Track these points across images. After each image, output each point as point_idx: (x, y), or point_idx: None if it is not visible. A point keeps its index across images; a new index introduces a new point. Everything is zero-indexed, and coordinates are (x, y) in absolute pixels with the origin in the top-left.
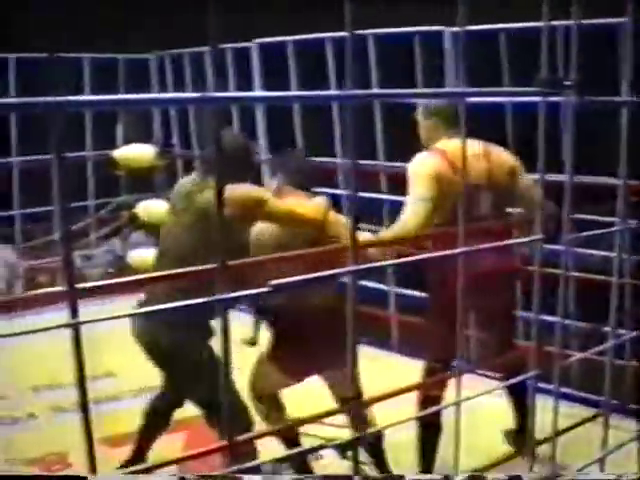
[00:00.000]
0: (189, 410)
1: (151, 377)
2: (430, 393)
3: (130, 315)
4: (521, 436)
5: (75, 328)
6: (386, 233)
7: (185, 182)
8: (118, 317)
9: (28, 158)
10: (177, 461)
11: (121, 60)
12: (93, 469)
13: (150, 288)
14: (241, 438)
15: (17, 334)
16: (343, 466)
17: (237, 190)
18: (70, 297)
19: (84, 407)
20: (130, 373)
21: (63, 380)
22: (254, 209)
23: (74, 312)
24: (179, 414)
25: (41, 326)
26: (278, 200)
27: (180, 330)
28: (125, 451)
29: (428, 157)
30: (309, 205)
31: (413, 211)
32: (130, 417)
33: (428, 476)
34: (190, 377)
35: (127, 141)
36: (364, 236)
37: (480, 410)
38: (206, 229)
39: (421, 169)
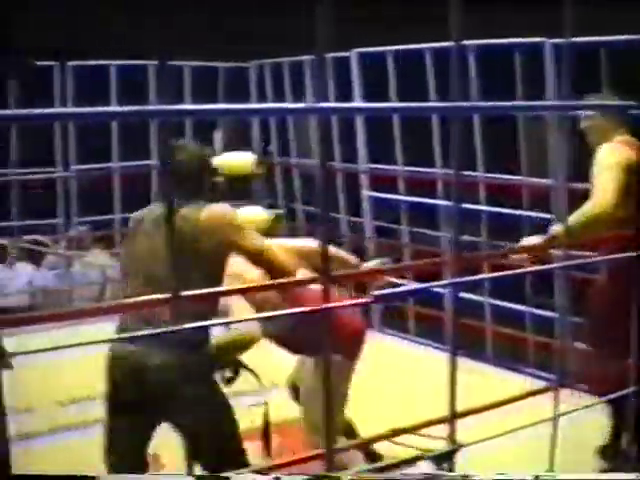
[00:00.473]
0: (280, 415)
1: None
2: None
3: (241, 321)
4: (616, 452)
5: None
6: (574, 215)
7: (156, 207)
8: (218, 324)
9: (129, 163)
10: (269, 469)
11: (221, 68)
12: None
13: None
14: (340, 447)
15: (124, 338)
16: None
17: (215, 210)
18: (173, 303)
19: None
20: None
21: None
22: (232, 234)
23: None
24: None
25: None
26: (256, 233)
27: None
28: None
29: (617, 147)
30: (288, 253)
31: (603, 193)
32: None
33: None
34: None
35: (226, 148)
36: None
37: (575, 424)
38: (188, 251)
39: (611, 156)
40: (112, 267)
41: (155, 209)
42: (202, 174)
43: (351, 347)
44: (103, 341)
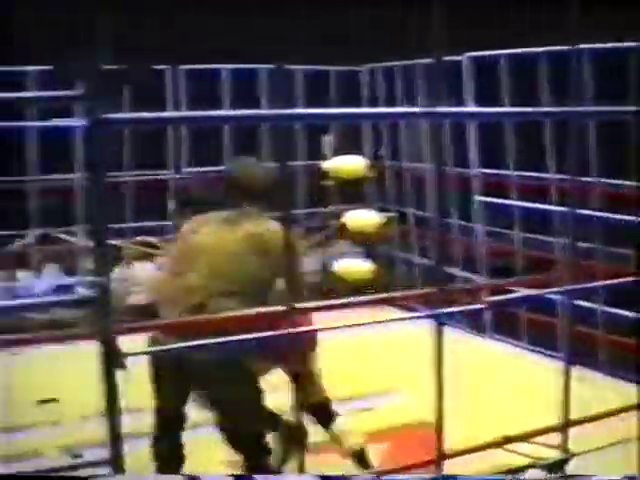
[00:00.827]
0: (389, 421)
1: (357, 382)
2: None
3: (392, 320)
4: None
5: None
6: None
7: (220, 214)
8: (340, 327)
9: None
10: (384, 472)
11: (332, 72)
12: (302, 470)
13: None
14: (456, 451)
15: (238, 339)
16: None
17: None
18: (300, 312)
19: (298, 410)
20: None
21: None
22: (294, 247)
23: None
24: (380, 424)
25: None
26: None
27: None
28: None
29: None
30: None
31: None
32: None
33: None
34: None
35: (337, 152)
36: None
37: None
38: (254, 259)
39: None
40: None
41: (219, 214)
42: (263, 188)
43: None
44: (206, 343)
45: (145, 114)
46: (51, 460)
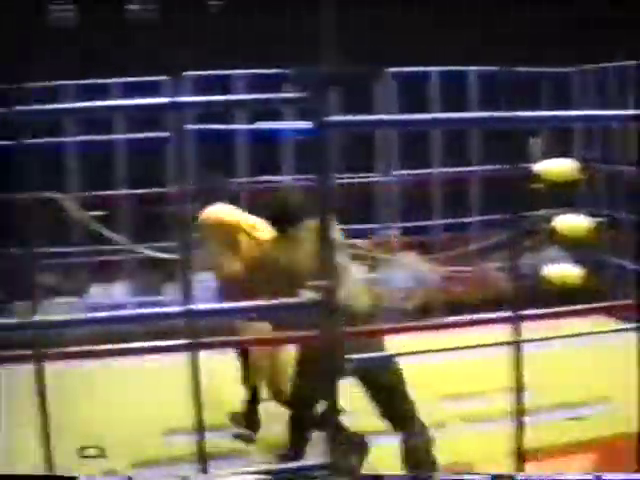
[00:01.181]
0: (596, 430)
1: (566, 392)
2: None
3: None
4: None
5: (517, 345)
6: None
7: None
8: (564, 336)
9: (449, 170)
10: None
11: (543, 74)
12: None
13: None
14: None
15: (452, 349)
16: None
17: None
18: (514, 319)
19: (519, 417)
20: (545, 387)
21: (471, 390)
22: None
23: (517, 329)
24: (587, 434)
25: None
26: None
27: None
28: (536, 465)
29: None
30: None
31: None
32: (544, 431)
33: None
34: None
35: (547, 154)
36: None
37: None
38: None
39: None
40: (426, 271)
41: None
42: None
43: None
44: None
45: (368, 117)
46: (253, 460)
